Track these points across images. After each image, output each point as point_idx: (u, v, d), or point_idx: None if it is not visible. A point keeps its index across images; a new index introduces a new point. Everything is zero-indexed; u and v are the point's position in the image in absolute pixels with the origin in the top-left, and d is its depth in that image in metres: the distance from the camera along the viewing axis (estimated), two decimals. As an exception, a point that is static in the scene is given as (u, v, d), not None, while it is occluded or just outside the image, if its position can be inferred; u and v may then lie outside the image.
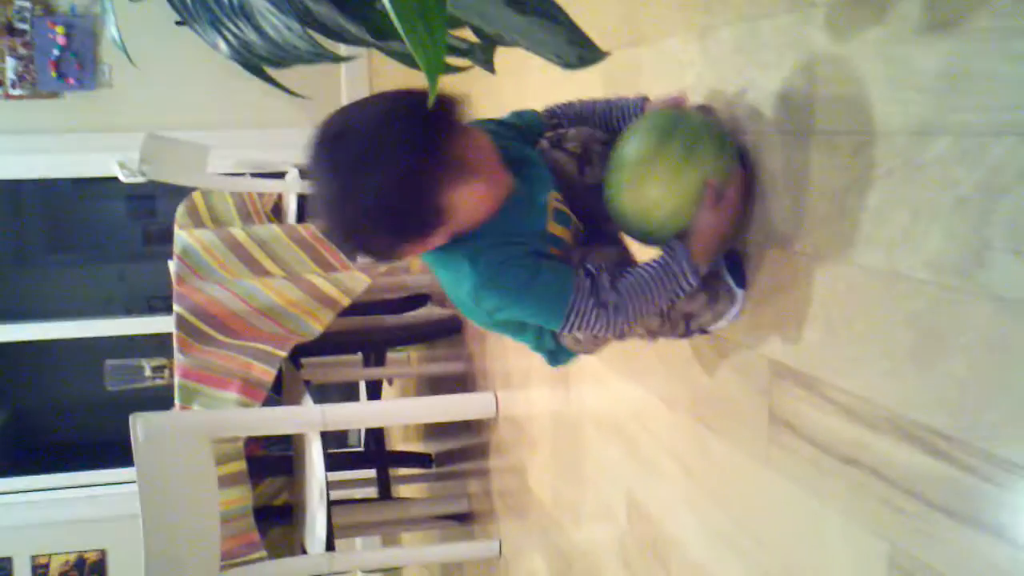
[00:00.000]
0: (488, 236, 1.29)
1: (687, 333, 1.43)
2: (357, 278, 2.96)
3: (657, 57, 1.67)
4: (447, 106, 1.22)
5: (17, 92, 4.39)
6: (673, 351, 1.63)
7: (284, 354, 2.85)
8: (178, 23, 1.42)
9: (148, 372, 3.40)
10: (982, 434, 0.96)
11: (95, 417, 4.76)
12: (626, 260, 1.40)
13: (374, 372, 3.73)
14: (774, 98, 1.32)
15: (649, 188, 1.29)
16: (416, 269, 3.47)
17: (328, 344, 3.24)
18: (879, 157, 1.10)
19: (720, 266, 1.41)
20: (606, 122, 1.51)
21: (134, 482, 2.40)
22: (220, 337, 2.84)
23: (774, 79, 1.31)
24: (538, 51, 1.08)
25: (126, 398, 4.22)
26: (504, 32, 1.06)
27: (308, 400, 2.90)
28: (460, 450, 3.37)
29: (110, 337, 4.79)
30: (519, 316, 1.34)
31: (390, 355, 3.75)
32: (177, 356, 2.83)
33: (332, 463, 2.88)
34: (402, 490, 3.98)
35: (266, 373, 2.78)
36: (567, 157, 1.42)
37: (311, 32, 1.09)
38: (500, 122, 1.46)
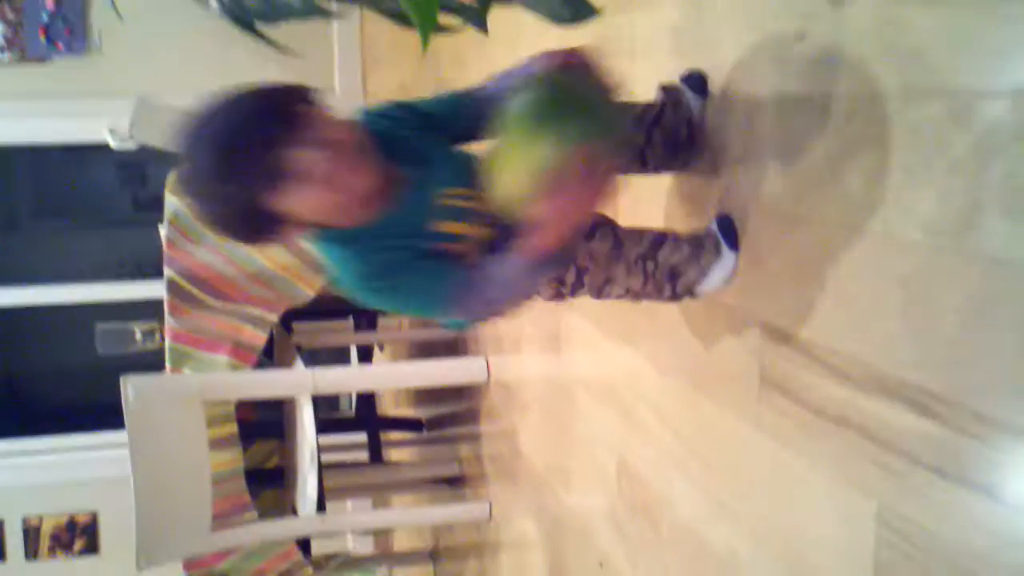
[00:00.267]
0: (368, 236, 1.29)
1: (675, 296, 1.43)
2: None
3: (651, 21, 1.66)
4: (300, 107, 1.20)
5: (5, 57, 4.35)
6: (664, 315, 1.63)
7: (275, 318, 2.85)
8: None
9: (139, 336, 3.39)
10: (973, 394, 0.97)
11: (86, 381, 4.76)
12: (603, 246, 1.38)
13: (365, 337, 3.73)
14: (767, 62, 1.31)
15: (503, 174, 1.19)
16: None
17: (319, 308, 3.24)
18: (873, 120, 1.10)
19: (711, 227, 1.41)
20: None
21: (125, 445, 2.40)
22: (211, 301, 2.83)
23: (768, 43, 1.30)
24: (533, 7, 1.07)
25: (117, 362, 4.22)
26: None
27: (299, 364, 2.90)
28: (451, 415, 3.38)
29: (101, 302, 4.78)
30: (402, 312, 1.35)
31: (381, 320, 3.75)
32: (168, 320, 2.83)
33: (323, 427, 2.89)
34: (393, 454, 4.00)
35: (257, 337, 2.78)
36: None
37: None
38: (411, 108, 1.40)
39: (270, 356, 3.11)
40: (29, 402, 5.35)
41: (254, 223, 1.23)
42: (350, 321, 3.75)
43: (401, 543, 4.39)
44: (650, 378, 1.74)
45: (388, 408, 4.32)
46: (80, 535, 4.84)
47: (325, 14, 1.12)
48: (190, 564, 2.79)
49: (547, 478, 2.36)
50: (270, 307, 2.86)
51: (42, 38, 4.37)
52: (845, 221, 1.16)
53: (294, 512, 2.91)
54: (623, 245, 1.37)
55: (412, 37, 3.50)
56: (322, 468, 2.79)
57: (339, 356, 4.33)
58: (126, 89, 3.95)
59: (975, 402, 0.97)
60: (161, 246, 2.91)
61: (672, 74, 1.53)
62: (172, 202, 3.00)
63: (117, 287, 4.84)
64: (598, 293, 1.39)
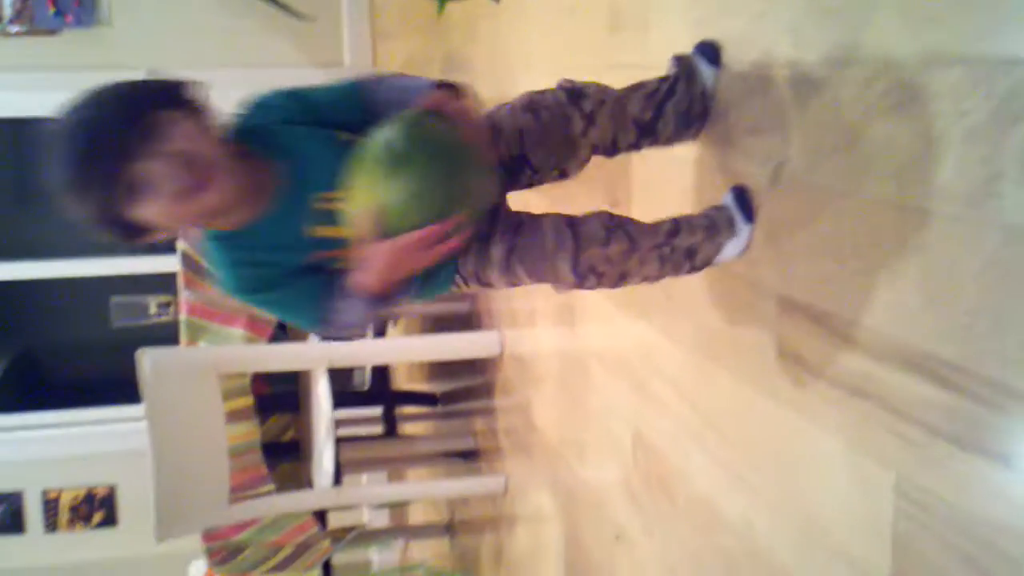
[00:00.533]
0: (243, 244, 1.28)
1: (694, 269, 1.43)
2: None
3: (666, -11, 1.65)
4: (157, 113, 1.18)
5: (15, 29, 4.35)
6: (679, 287, 1.62)
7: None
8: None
9: (154, 309, 3.41)
10: (990, 363, 0.97)
11: (103, 354, 4.78)
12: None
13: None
14: (785, 31, 1.30)
15: (347, 204, 1.20)
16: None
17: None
18: (891, 87, 1.09)
19: (725, 199, 1.41)
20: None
21: (143, 418, 2.42)
22: (226, 275, 2.84)
23: (785, 12, 1.29)
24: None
25: (132, 335, 4.24)
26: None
27: (314, 337, 2.91)
28: (466, 389, 3.39)
29: (116, 275, 4.80)
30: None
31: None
32: (183, 293, 2.84)
33: (338, 401, 2.90)
34: (408, 428, 4.01)
35: (272, 310, 2.79)
36: None
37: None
38: (299, 98, 1.34)
39: (284, 329, 3.12)
40: (47, 375, 5.39)
41: (120, 231, 1.22)
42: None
43: (416, 516, 4.41)
44: (665, 351, 1.73)
45: (402, 382, 4.33)
46: (99, 507, 4.88)
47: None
48: (208, 536, 2.82)
49: (562, 451, 2.37)
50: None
51: (51, 9, 4.37)
52: (862, 190, 1.15)
53: (310, 485, 2.93)
54: (637, 242, 1.34)
55: (423, 10, 3.48)
56: (338, 441, 2.81)
57: (353, 330, 4.33)
58: (136, 62, 3.94)
59: (994, 372, 0.96)
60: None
61: (686, 45, 1.52)
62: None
63: (132, 261, 4.86)
64: (615, 285, 1.38)
